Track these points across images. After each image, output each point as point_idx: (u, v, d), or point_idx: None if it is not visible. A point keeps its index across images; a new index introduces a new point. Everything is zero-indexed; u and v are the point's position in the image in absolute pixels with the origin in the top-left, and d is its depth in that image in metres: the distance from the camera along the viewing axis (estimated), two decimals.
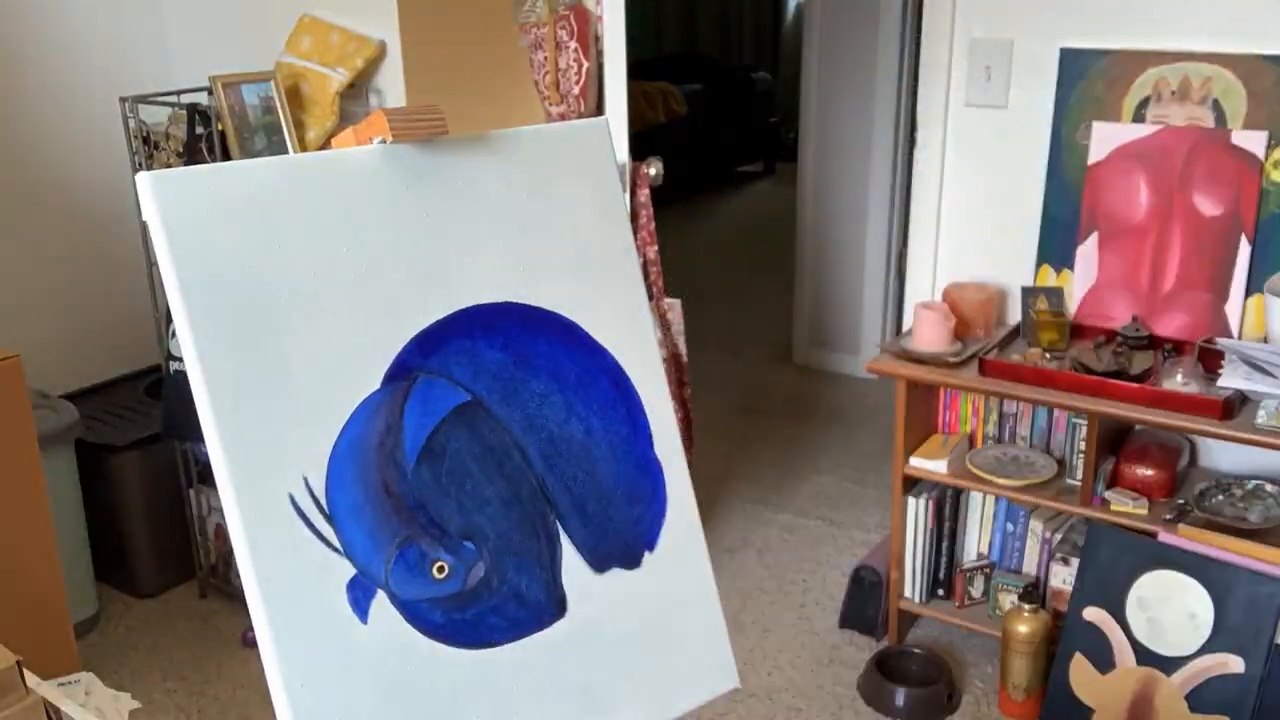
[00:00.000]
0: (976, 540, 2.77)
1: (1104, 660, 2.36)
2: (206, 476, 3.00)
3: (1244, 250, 2.41)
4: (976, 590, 2.74)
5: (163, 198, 1.04)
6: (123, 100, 2.76)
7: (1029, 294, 2.63)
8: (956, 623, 2.74)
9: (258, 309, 1.08)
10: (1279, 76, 2.34)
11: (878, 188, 4.41)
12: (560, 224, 1.31)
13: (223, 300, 1.06)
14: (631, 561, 1.32)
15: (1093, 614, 2.38)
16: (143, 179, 1.03)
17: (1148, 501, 2.40)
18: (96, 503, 2.99)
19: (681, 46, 9.18)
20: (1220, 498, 2.41)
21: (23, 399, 2.11)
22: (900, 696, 2.57)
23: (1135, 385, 2.29)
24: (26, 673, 1.50)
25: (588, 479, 1.29)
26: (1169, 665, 2.28)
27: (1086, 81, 2.54)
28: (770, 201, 7.88)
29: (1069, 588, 2.52)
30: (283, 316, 1.09)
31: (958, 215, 2.82)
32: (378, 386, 1.14)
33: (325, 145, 2.83)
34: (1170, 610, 2.28)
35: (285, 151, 2.92)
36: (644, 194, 2.87)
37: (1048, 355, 2.50)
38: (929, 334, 2.57)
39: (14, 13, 3.06)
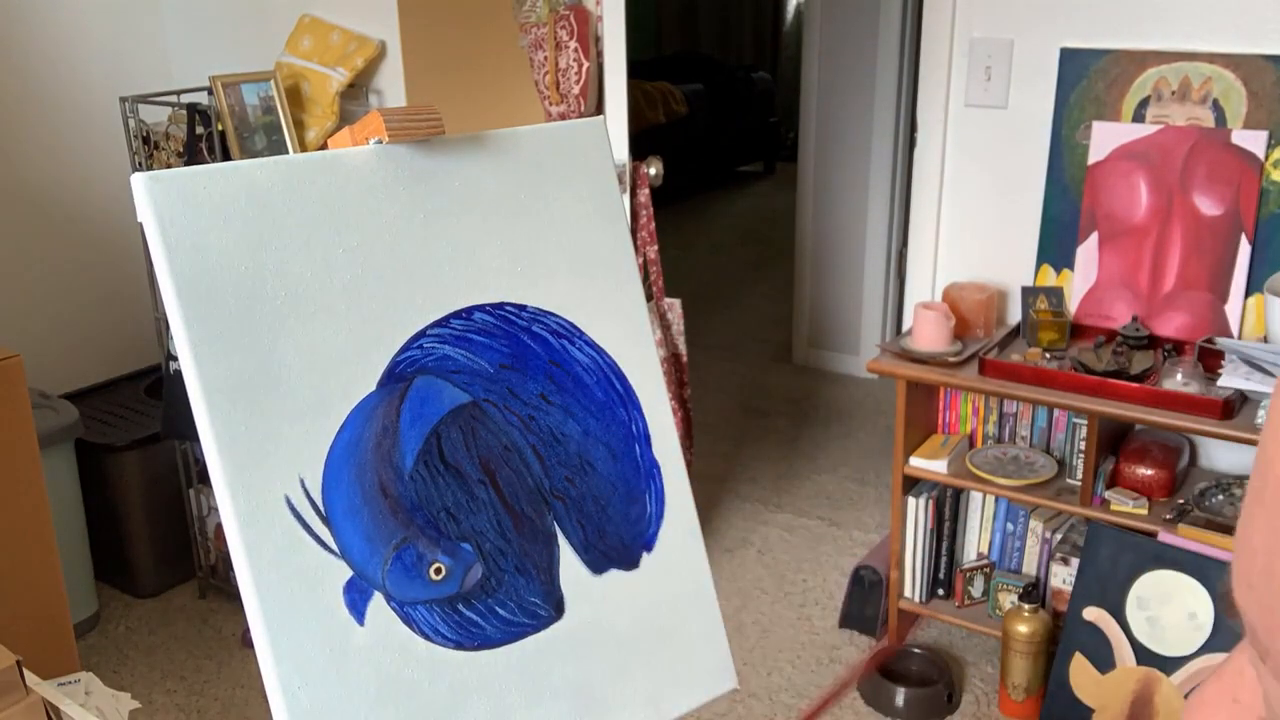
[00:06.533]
0: (976, 540, 2.77)
1: (1104, 660, 2.36)
2: (206, 476, 2.99)
3: (1244, 250, 2.41)
4: (976, 590, 2.74)
5: (157, 198, 1.04)
6: (123, 100, 2.76)
7: (1029, 294, 2.63)
8: (956, 623, 2.74)
9: (253, 310, 1.08)
10: (1279, 76, 2.33)
11: (878, 188, 4.41)
12: (558, 223, 1.30)
13: (218, 301, 1.06)
14: (630, 562, 1.32)
15: (1092, 614, 2.37)
16: (137, 179, 1.03)
17: (1148, 501, 2.40)
18: (96, 503, 2.99)
19: (681, 46, 9.18)
20: (1220, 497, 2.41)
21: (23, 399, 2.11)
22: (900, 696, 2.57)
23: (1135, 385, 2.29)
24: (26, 672, 1.50)
25: (585, 480, 1.29)
26: (1169, 665, 2.28)
27: (1086, 81, 2.53)
28: (770, 201, 7.88)
29: (1069, 588, 2.52)
30: (278, 317, 1.09)
31: (958, 215, 2.82)
32: (374, 388, 1.14)
33: (324, 146, 2.83)
34: (1170, 610, 2.28)
35: (285, 151, 2.91)
36: (644, 194, 2.87)
37: (1048, 355, 2.50)
38: (929, 334, 2.57)
39: (14, 13, 3.06)
